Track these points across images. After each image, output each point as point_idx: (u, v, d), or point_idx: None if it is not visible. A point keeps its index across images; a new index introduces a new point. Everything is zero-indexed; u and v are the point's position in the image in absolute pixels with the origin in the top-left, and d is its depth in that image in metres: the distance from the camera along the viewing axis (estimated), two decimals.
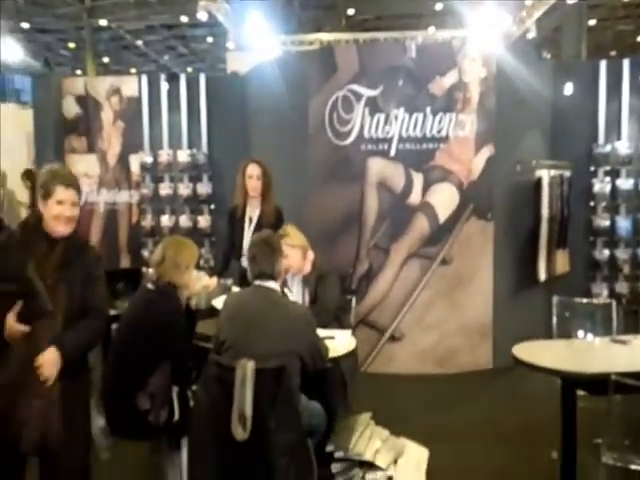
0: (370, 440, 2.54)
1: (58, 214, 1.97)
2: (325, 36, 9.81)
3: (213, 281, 3.18)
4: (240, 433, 2.03)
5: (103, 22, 14.17)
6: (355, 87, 4.39)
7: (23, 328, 1.86)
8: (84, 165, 5.66)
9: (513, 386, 3.91)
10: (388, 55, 4.51)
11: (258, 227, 3.36)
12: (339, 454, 2.45)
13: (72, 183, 2.03)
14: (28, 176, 6.34)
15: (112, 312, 3.32)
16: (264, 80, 5.00)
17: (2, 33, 10.71)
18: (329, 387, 2.58)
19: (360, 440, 2.52)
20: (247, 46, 10.11)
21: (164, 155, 5.40)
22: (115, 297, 3.38)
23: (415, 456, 2.67)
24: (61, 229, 1.99)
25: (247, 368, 2.09)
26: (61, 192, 1.98)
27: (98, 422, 2.37)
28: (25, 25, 13.43)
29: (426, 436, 2.89)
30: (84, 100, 5.67)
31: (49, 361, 1.85)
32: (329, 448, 2.48)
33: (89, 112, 5.66)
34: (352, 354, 2.66)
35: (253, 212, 3.48)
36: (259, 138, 4.97)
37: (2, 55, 10.40)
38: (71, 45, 16.64)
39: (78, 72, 16.67)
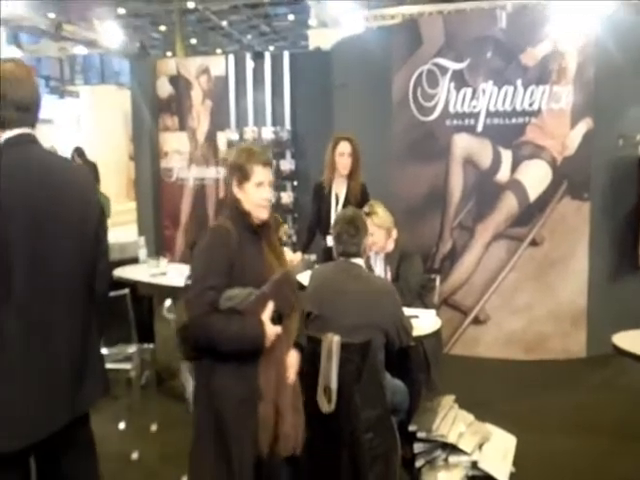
0: (454, 423, 2.50)
1: (263, 199, 1.80)
2: (408, 9, 9.52)
3: (297, 256, 3.24)
4: (325, 406, 2.07)
5: (191, 4, 14.63)
6: (440, 60, 4.24)
7: (278, 330, 1.75)
8: (175, 142, 5.93)
9: (609, 377, 3.69)
10: (476, 26, 4.30)
11: (345, 204, 3.36)
12: (422, 434, 2.44)
13: (269, 161, 1.88)
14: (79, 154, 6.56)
15: None
16: (348, 55, 4.95)
17: (102, 19, 11.34)
18: (412, 366, 2.56)
19: (443, 422, 2.49)
20: (329, 22, 10.05)
21: (249, 132, 5.53)
22: None
23: (502, 443, 2.59)
24: (264, 215, 1.83)
25: (333, 342, 2.12)
26: (260, 173, 1.81)
27: (192, 386, 2.50)
28: (121, 11, 14.13)
29: (512, 424, 2.79)
30: (176, 80, 5.91)
31: (295, 362, 1.85)
32: (411, 428, 2.47)
33: (180, 92, 5.89)
34: (436, 334, 2.62)
35: (340, 189, 3.48)
36: (343, 114, 4.94)
37: (103, 40, 11.01)
38: (162, 28, 17.34)
39: (168, 54, 17.36)
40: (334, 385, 2.10)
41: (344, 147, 3.43)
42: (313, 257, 3.43)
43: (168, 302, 2.79)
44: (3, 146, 1.64)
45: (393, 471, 2.23)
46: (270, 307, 1.75)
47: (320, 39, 9.22)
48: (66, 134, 10.88)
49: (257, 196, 1.82)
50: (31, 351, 1.60)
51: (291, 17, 17.02)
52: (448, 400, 2.67)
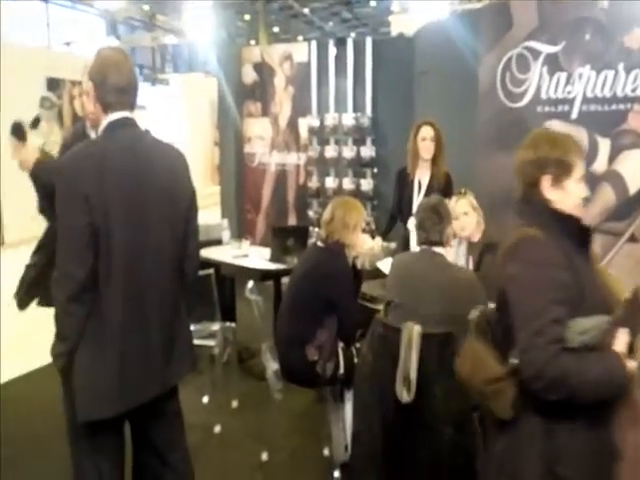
0: None
1: (583, 197, 1.49)
2: None
3: (378, 243, 3.22)
4: (404, 396, 2.06)
5: None
6: (533, 44, 4.01)
7: (634, 365, 1.31)
8: (259, 128, 6.06)
9: None
10: (573, 6, 4.01)
11: (428, 191, 3.29)
12: None
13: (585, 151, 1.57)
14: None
15: (282, 266, 3.59)
16: (432, 41, 4.80)
17: (192, 9, 11.74)
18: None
19: None
20: (412, 8, 9.81)
21: (330, 119, 5.53)
22: (285, 252, 3.60)
23: None
24: (583, 217, 1.49)
25: (413, 331, 2.09)
26: (581, 165, 1.48)
27: (272, 366, 2.57)
28: (208, 2, 14.56)
29: None
30: (260, 67, 6.02)
31: None
32: None
33: (264, 78, 5.99)
34: None
35: (423, 176, 3.41)
36: (425, 101, 4.83)
37: (192, 30, 11.40)
38: (246, 17, 17.68)
39: (252, 42, 17.70)
40: (413, 375, 2.07)
41: (426, 132, 3.36)
42: (393, 245, 3.39)
43: (250, 283, 2.87)
44: (105, 128, 1.74)
45: (473, 468, 2.18)
46: (624, 336, 1.32)
47: (402, 25, 9.03)
48: (157, 120, 11.41)
49: (578, 194, 1.47)
50: (128, 327, 1.70)
51: (373, 3, 16.77)
52: None
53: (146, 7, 14.44)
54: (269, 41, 15.20)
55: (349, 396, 2.54)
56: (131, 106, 1.79)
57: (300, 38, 18.42)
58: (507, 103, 4.13)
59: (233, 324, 3.52)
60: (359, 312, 2.68)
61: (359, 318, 2.65)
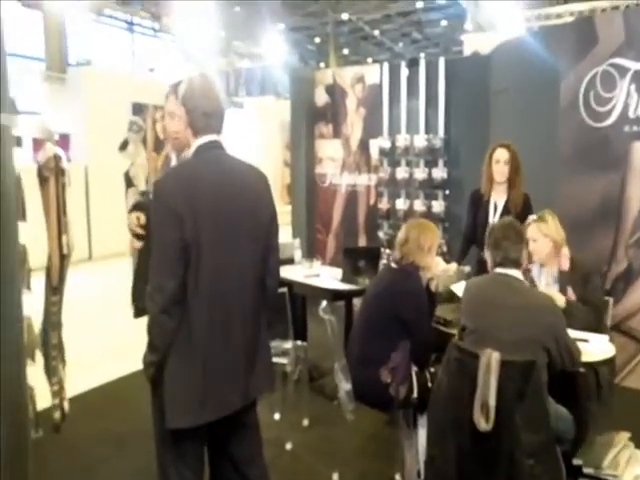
0: (628, 463, 2.24)
1: None
2: (578, 6, 8.80)
3: (452, 266, 3.17)
4: (483, 424, 1.99)
5: (345, 16, 15.10)
6: (619, 60, 3.85)
7: None
8: (330, 149, 6.15)
9: None
10: None
11: (504, 214, 3.21)
12: (589, 470, 2.22)
13: None
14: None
15: (353, 287, 3.59)
16: (509, 59, 4.71)
17: (265, 34, 12.18)
18: (580, 393, 2.35)
19: (615, 461, 2.24)
20: (487, 26, 9.68)
21: (401, 140, 5.53)
22: (357, 273, 3.61)
23: None
24: None
25: (492, 358, 2.03)
26: None
27: (344, 386, 2.57)
28: (280, 26, 15.07)
29: None
30: (332, 89, 6.13)
31: None
32: (576, 461, 2.27)
33: (336, 100, 6.10)
34: (609, 362, 2.37)
35: (499, 198, 3.34)
36: (501, 121, 4.72)
37: (267, 54, 11.82)
38: (316, 40, 18.12)
39: (322, 65, 18.09)
40: (492, 402, 2.01)
41: (500, 154, 3.29)
42: (467, 268, 3.32)
43: (324, 303, 2.89)
44: (195, 151, 1.84)
45: None
46: None
47: (476, 43, 8.92)
48: (232, 141, 11.87)
49: None
50: (213, 340, 1.77)
51: (444, 23, 16.72)
52: (622, 437, 2.40)
53: (222, 33, 15.16)
54: (339, 63, 15.47)
55: (422, 421, 2.49)
56: (218, 130, 1.89)
57: (370, 60, 18.62)
58: (590, 122, 3.97)
59: (305, 343, 3.55)
60: (433, 335, 2.64)
61: (433, 341, 2.60)
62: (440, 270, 2.94)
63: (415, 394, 2.48)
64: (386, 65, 5.83)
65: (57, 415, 2.00)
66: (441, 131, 5.38)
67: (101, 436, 3.12)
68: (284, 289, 3.20)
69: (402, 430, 2.55)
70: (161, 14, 11.90)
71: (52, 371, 2.00)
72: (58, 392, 2.02)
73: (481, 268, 3.24)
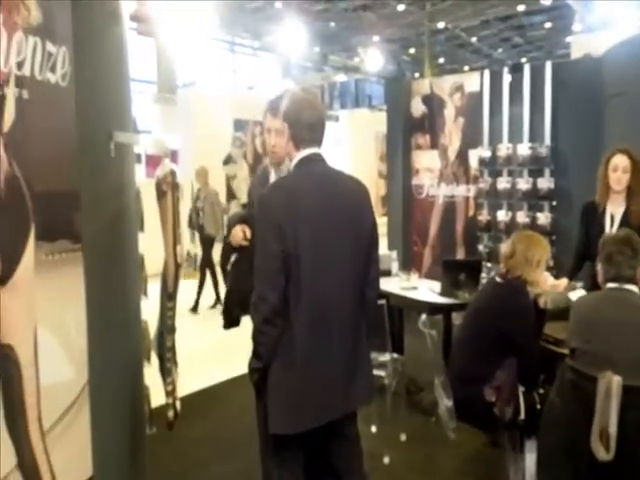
0: None
1: None
2: None
3: (563, 281, 2.98)
4: (602, 453, 1.84)
5: (441, 24, 14.87)
6: None
7: None
8: (427, 160, 6.06)
9: None
10: None
11: (622, 226, 2.97)
12: None
13: None
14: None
15: (452, 301, 3.49)
16: (625, 61, 4.36)
17: (362, 46, 12.33)
18: None
19: None
20: (598, 26, 9.09)
21: (503, 149, 5.31)
22: (456, 287, 3.51)
23: None
24: None
25: (612, 382, 1.88)
26: None
27: (445, 403, 2.49)
28: (375, 38, 15.15)
29: None
30: (429, 99, 6.05)
31: None
32: None
33: (433, 110, 6.00)
34: None
35: (616, 209, 3.09)
36: (616, 127, 4.38)
37: (364, 66, 11.96)
38: (411, 51, 18.00)
39: (416, 75, 17.94)
40: (613, 430, 1.85)
41: (619, 160, 3.03)
42: (579, 284, 3.10)
43: (423, 316, 2.84)
44: (297, 164, 1.89)
45: None
46: None
47: (585, 45, 8.39)
48: (327, 154, 12.09)
49: None
50: (314, 349, 1.79)
51: (548, 25, 15.92)
52: None
53: (316, 49, 15.53)
54: (434, 73, 15.24)
55: (530, 445, 2.35)
56: (320, 142, 1.93)
57: (466, 68, 18.16)
58: None
59: (402, 356, 3.50)
60: (541, 354, 2.49)
61: (541, 361, 2.46)
62: (549, 286, 2.78)
63: (522, 416, 2.36)
64: (487, 72, 5.65)
65: (171, 414, 2.12)
66: (547, 139, 5.11)
67: (207, 436, 3.28)
68: (382, 301, 3.18)
69: (507, 453, 2.43)
70: (261, 33, 12.44)
71: (167, 372, 2.12)
72: (171, 392, 2.14)
73: (594, 284, 3.01)
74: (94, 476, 1.70)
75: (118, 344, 1.90)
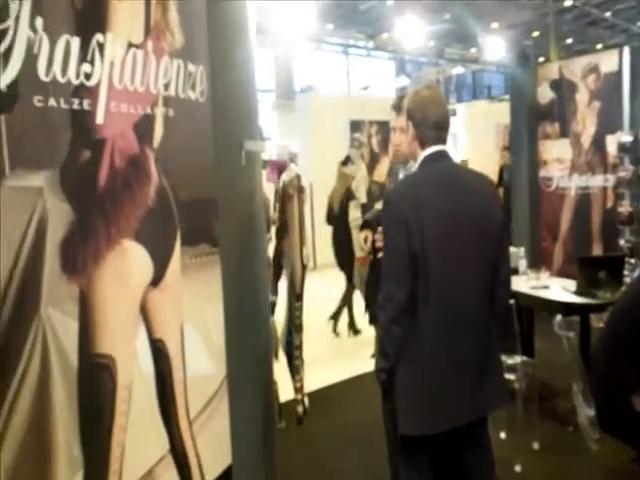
0: None
1: None
2: None
3: None
4: None
5: (568, 3, 13.75)
6: None
7: None
8: (557, 150, 5.65)
9: None
10: None
11: None
12: None
13: None
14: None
15: (591, 301, 3.22)
16: None
17: (480, 35, 11.86)
18: None
19: None
20: None
21: None
22: (595, 286, 3.23)
23: None
24: None
25: None
26: None
27: (586, 411, 2.31)
28: (494, 25, 14.41)
29: None
30: (558, 84, 5.63)
31: None
32: None
33: (563, 96, 5.58)
34: None
35: None
36: None
37: (485, 56, 11.51)
38: (534, 34, 16.88)
39: (540, 59, 16.80)
40: None
41: None
42: None
43: (558, 317, 2.66)
44: (422, 162, 1.86)
45: None
46: None
47: None
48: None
49: None
50: (442, 350, 1.76)
51: None
52: None
53: (431, 43, 15.14)
54: (560, 55, 14.16)
55: None
56: (444, 140, 1.89)
57: (599, 46, 16.62)
58: None
59: (531, 359, 3.31)
60: None
61: None
62: None
63: None
64: (626, 49, 5.13)
65: (300, 409, 2.21)
66: None
67: (333, 432, 3.36)
68: (511, 301, 3.03)
69: None
70: (375, 33, 12.46)
71: (295, 369, 2.22)
72: (300, 389, 2.23)
73: None
74: (233, 464, 1.82)
75: (250, 341, 2.02)
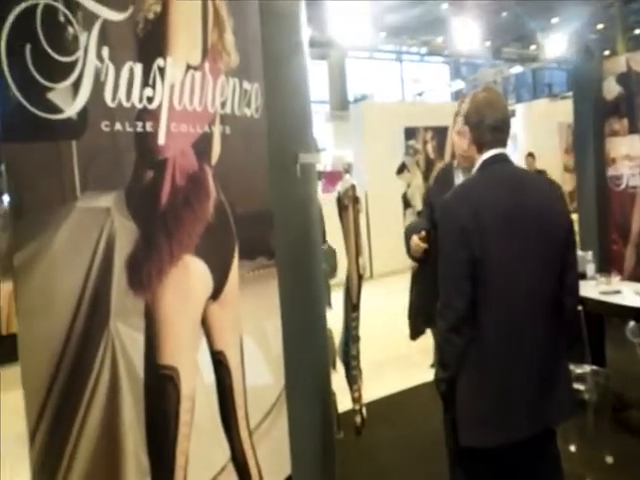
0: None
1: None
2: None
3: None
4: None
5: None
6: None
7: None
8: (626, 147, 5.35)
9: None
10: None
11: None
12: None
13: None
14: None
15: None
16: None
17: (540, 32, 11.51)
18: None
19: None
20: None
21: None
22: None
23: None
24: None
25: None
26: None
27: None
28: (555, 20, 13.93)
29: None
30: (626, 78, 5.34)
31: None
32: None
33: (631, 90, 5.29)
34: None
35: None
36: None
37: (546, 53, 11.14)
38: (598, 27, 16.17)
39: (605, 53, 16.06)
40: None
41: None
42: None
43: (631, 324, 2.51)
44: (480, 166, 1.82)
45: None
46: None
47: None
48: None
49: None
50: (505, 359, 1.70)
51: None
52: None
53: (487, 43, 14.79)
54: (628, 47, 13.47)
55: None
56: (504, 143, 1.84)
57: None
58: None
59: (602, 368, 3.14)
60: None
61: None
62: None
63: None
64: None
65: (358, 419, 2.20)
66: None
67: (392, 442, 3.31)
68: (579, 307, 2.90)
69: None
70: (428, 39, 12.33)
71: (353, 379, 2.21)
72: (358, 399, 2.22)
73: None
74: (292, 475, 1.83)
75: (308, 352, 2.03)
